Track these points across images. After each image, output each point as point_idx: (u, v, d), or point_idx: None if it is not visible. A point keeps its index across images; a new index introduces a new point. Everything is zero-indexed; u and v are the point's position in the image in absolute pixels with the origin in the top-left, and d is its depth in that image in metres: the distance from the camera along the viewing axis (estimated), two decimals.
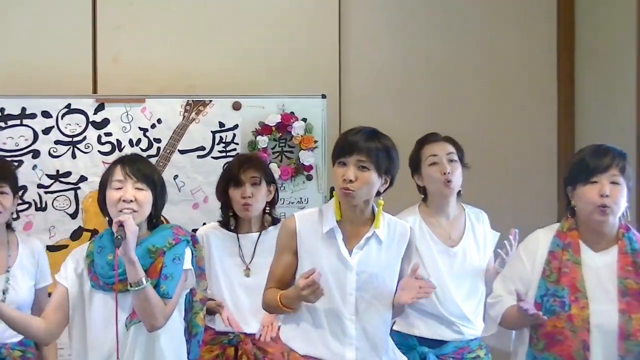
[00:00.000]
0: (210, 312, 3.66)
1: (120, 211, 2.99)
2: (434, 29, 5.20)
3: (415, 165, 3.76)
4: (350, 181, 2.91)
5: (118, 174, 3.06)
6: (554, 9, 5.25)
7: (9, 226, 3.58)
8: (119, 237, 2.89)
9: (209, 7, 5.06)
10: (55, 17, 4.94)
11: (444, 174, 3.63)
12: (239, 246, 3.77)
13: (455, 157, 3.69)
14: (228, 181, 3.78)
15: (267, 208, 3.82)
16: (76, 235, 4.62)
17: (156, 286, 2.98)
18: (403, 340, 3.55)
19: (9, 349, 3.39)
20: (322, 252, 2.98)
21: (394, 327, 3.43)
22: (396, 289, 3.03)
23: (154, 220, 3.13)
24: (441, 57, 5.20)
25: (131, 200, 3.01)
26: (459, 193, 3.74)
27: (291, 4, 5.12)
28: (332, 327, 2.95)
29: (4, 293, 3.41)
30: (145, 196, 3.05)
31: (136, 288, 2.91)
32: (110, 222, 3.11)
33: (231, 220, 3.82)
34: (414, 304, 3.01)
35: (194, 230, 3.73)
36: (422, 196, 3.79)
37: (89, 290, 3.06)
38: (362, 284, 2.97)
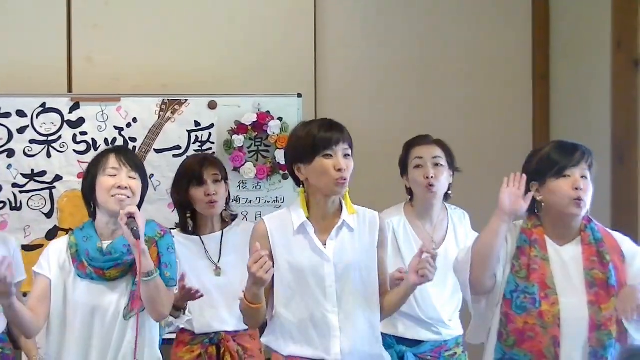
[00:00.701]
0: (178, 309, 3.64)
1: (113, 196, 3.05)
2: (409, 27, 5.20)
3: (404, 166, 3.77)
4: (344, 170, 2.91)
5: (112, 161, 3.12)
6: (529, 8, 5.27)
7: None
8: (135, 228, 2.93)
9: (185, 7, 5.04)
10: (30, 15, 4.91)
11: (427, 177, 3.64)
12: (205, 248, 3.77)
13: (442, 162, 3.69)
14: (190, 181, 3.76)
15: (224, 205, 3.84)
16: (51, 234, 4.60)
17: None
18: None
19: None
20: (297, 248, 2.96)
21: None
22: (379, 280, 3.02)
23: None
24: (417, 56, 5.20)
25: (126, 187, 3.07)
26: (447, 196, 3.75)
27: (267, 3, 5.10)
28: (315, 322, 2.92)
29: None
30: (138, 185, 3.14)
31: (149, 277, 2.97)
32: (93, 212, 3.17)
33: (188, 222, 3.82)
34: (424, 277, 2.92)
35: None
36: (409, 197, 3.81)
37: (73, 280, 3.10)
38: (341, 274, 2.95)
